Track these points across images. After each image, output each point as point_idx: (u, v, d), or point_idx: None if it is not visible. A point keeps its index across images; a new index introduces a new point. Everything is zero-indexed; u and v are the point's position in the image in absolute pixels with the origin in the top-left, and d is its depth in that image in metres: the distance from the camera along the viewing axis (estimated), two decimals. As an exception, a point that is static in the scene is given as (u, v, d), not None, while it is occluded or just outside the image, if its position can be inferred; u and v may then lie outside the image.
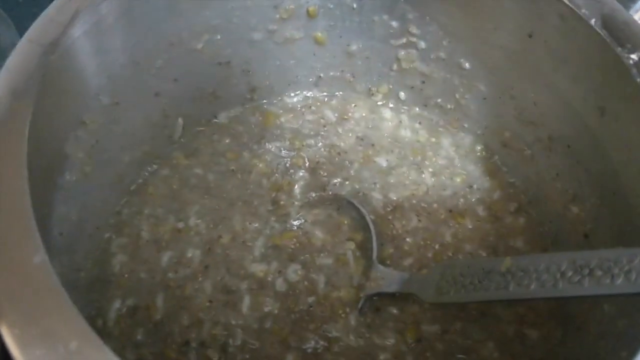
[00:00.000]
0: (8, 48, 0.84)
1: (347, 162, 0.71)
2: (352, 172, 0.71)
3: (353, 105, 0.76)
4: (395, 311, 0.61)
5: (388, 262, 0.64)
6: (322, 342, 0.59)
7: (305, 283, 0.62)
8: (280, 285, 0.62)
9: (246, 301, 0.61)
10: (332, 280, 0.63)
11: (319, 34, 0.70)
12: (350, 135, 0.74)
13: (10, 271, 0.37)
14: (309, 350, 0.59)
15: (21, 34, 0.82)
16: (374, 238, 0.64)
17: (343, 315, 0.61)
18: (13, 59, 0.44)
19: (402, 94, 0.75)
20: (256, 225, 0.66)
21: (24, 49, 0.45)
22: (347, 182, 0.70)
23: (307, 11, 0.68)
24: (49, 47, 0.45)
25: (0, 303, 0.36)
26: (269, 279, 0.62)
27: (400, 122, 0.75)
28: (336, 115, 0.75)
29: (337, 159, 0.72)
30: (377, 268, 0.62)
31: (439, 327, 0.60)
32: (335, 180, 0.70)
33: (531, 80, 0.63)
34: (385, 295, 0.62)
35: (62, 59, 0.48)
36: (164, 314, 0.60)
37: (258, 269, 0.63)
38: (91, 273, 0.62)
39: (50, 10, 0.47)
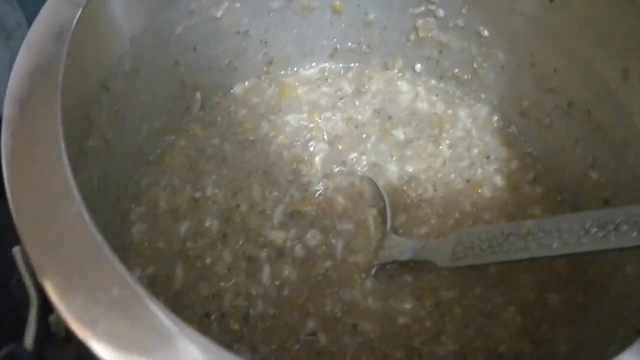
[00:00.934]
0: (14, 29, 0.84)
1: (364, 135, 0.71)
2: (369, 145, 0.71)
3: (370, 78, 0.76)
4: (410, 279, 0.61)
5: (401, 231, 0.64)
6: (340, 306, 0.59)
7: (324, 248, 0.62)
8: (299, 251, 0.62)
9: (266, 270, 0.61)
10: (351, 245, 0.63)
11: (337, 3, 0.70)
12: (367, 108, 0.73)
13: (49, 222, 0.37)
14: (328, 315, 0.59)
15: (26, 15, 0.82)
16: (388, 208, 0.64)
17: (359, 280, 0.61)
18: (43, 14, 0.44)
19: (418, 66, 0.75)
20: (275, 194, 0.66)
21: (53, 6, 0.45)
22: (364, 156, 0.70)
23: (326, -21, 0.68)
24: (78, 5, 0.45)
25: (40, 253, 0.36)
26: (288, 245, 0.62)
27: (417, 94, 0.75)
28: (352, 87, 0.75)
29: (354, 132, 0.72)
30: (391, 237, 0.62)
31: (456, 292, 0.60)
32: (353, 155, 0.70)
33: (552, 46, 0.63)
34: (399, 264, 0.62)
35: (89, 20, 0.48)
36: (184, 283, 0.60)
37: (277, 236, 0.63)
38: (111, 241, 0.61)
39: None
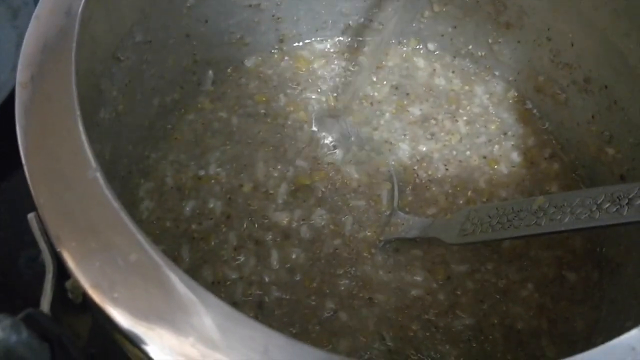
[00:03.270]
0: (19, 5, 0.83)
1: (378, 112, 0.71)
2: (382, 121, 0.70)
3: (385, 54, 0.75)
4: (420, 253, 0.61)
5: (407, 209, 0.63)
6: (354, 283, 0.59)
7: (331, 226, 0.62)
8: (304, 232, 0.61)
9: (274, 254, 0.60)
10: (361, 220, 0.62)
11: (351, -24, 0.69)
12: (385, 83, 0.73)
13: (65, 187, 0.36)
14: (344, 294, 0.58)
15: None
16: (396, 185, 0.64)
17: (369, 256, 0.60)
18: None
19: (430, 46, 0.75)
20: (280, 167, 0.65)
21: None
22: (376, 131, 0.69)
23: (340, -48, 0.67)
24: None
25: (55, 218, 0.35)
26: (294, 226, 0.61)
27: (434, 70, 0.74)
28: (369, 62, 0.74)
29: (369, 108, 0.71)
30: (397, 214, 0.62)
31: (468, 266, 0.60)
32: (364, 130, 0.69)
33: (569, 19, 0.62)
34: (406, 240, 0.61)
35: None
36: (190, 266, 0.59)
37: (281, 217, 0.62)
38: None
39: None
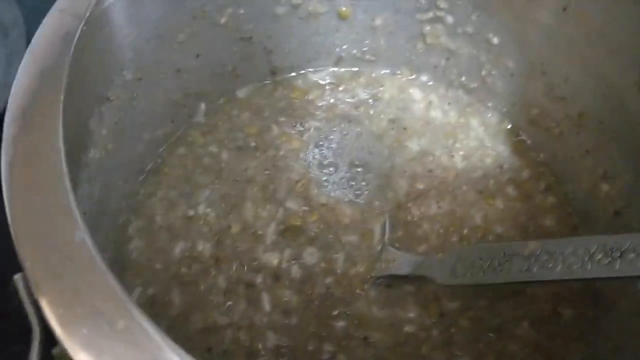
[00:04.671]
0: (10, 24, 0.82)
1: (378, 146, 0.70)
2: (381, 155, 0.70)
3: (380, 87, 0.75)
4: (412, 289, 0.60)
5: (397, 245, 0.63)
6: (349, 322, 0.58)
7: (323, 264, 0.61)
8: (295, 271, 0.60)
9: (265, 298, 0.59)
10: (353, 256, 0.62)
11: (344, 9, 0.69)
12: (382, 117, 0.72)
13: (51, 249, 0.35)
14: (341, 334, 0.57)
15: (22, 9, 0.81)
16: (387, 221, 0.63)
17: (362, 292, 0.60)
18: (44, 30, 0.42)
19: (423, 77, 0.74)
20: (269, 207, 0.64)
21: (55, 19, 0.43)
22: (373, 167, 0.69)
23: (333, -16, 0.66)
24: (81, 17, 0.43)
25: (42, 282, 0.34)
26: (284, 266, 0.61)
27: (430, 103, 0.74)
28: (364, 94, 0.74)
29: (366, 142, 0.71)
30: (388, 250, 0.61)
31: (461, 303, 0.59)
32: (363, 162, 0.69)
33: (564, 55, 0.62)
34: (397, 276, 0.60)
35: (92, 30, 0.46)
36: (180, 311, 0.58)
37: (271, 258, 0.61)
38: (112, 256, 0.60)
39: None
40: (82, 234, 0.36)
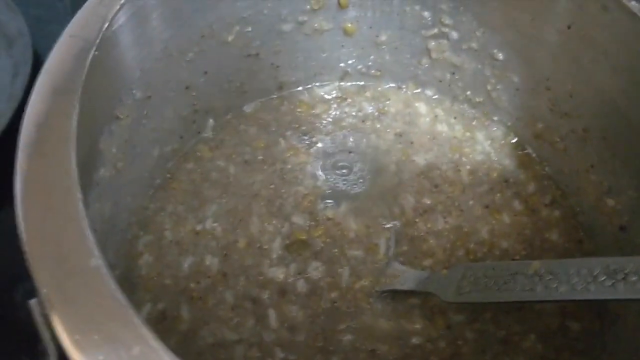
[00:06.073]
0: (15, 36, 0.83)
1: (385, 160, 0.71)
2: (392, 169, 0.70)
3: (386, 100, 0.75)
4: (417, 301, 0.61)
5: (401, 258, 0.63)
6: (356, 336, 0.58)
7: (328, 279, 0.61)
8: (301, 286, 0.61)
9: (272, 314, 0.59)
10: (358, 270, 0.62)
11: (349, 25, 0.69)
12: (388, 131, 0.73)
13: (67, 276, 0.36)
14: (348, 348, 0.58)
15: (27, 22, 0.81)
16: (393, 236, 0.64)
17: (368, 306, 0.60)
18: (55, 55, 0.43)
19: (429, 92, 0.75)
20: (274, 222, 0.65)
21: (66, 44, 0.44)
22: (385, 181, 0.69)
23: (339, 2, 0.67)
24: (92, 42, 0.44)
25: (58, 309, 0.35)
26: (290, 281, 0.61)
27: (436, 116, 0.74)
28: (370, 108, 0.75)
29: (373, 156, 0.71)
30: (393, 265, 0.62)
31: (466, 315, 0.60)
32: (370, 176, 0.69)
33: (568, 72, 0.62)
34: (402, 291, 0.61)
35: (102, 53, 0.47)
36: (190, 327, 0.58)
37: (277, 273, 0.61)
38: (121, 272, 0.61)
39: (90, 3, 0.46)
40: (97, 261, 0.36)
